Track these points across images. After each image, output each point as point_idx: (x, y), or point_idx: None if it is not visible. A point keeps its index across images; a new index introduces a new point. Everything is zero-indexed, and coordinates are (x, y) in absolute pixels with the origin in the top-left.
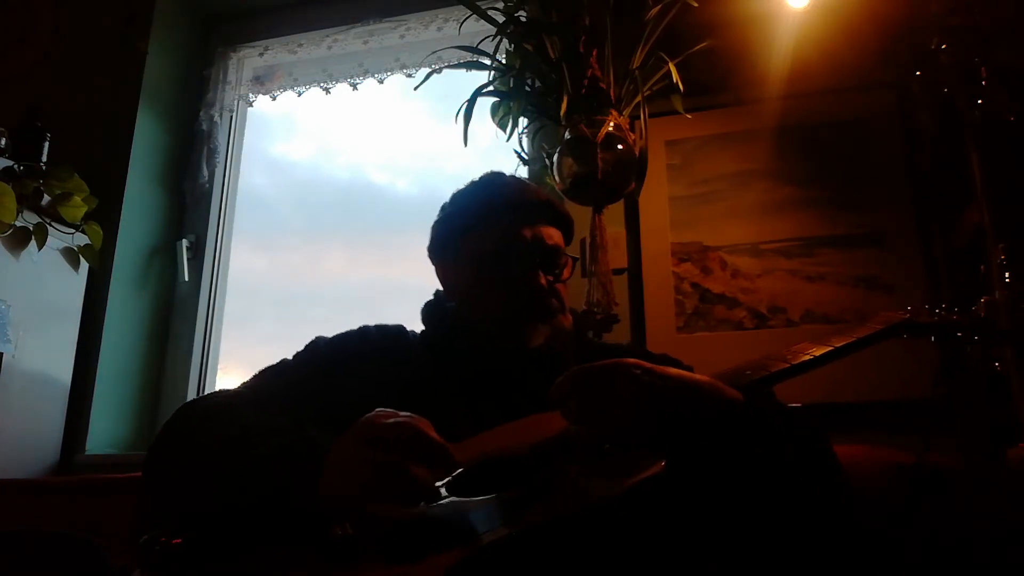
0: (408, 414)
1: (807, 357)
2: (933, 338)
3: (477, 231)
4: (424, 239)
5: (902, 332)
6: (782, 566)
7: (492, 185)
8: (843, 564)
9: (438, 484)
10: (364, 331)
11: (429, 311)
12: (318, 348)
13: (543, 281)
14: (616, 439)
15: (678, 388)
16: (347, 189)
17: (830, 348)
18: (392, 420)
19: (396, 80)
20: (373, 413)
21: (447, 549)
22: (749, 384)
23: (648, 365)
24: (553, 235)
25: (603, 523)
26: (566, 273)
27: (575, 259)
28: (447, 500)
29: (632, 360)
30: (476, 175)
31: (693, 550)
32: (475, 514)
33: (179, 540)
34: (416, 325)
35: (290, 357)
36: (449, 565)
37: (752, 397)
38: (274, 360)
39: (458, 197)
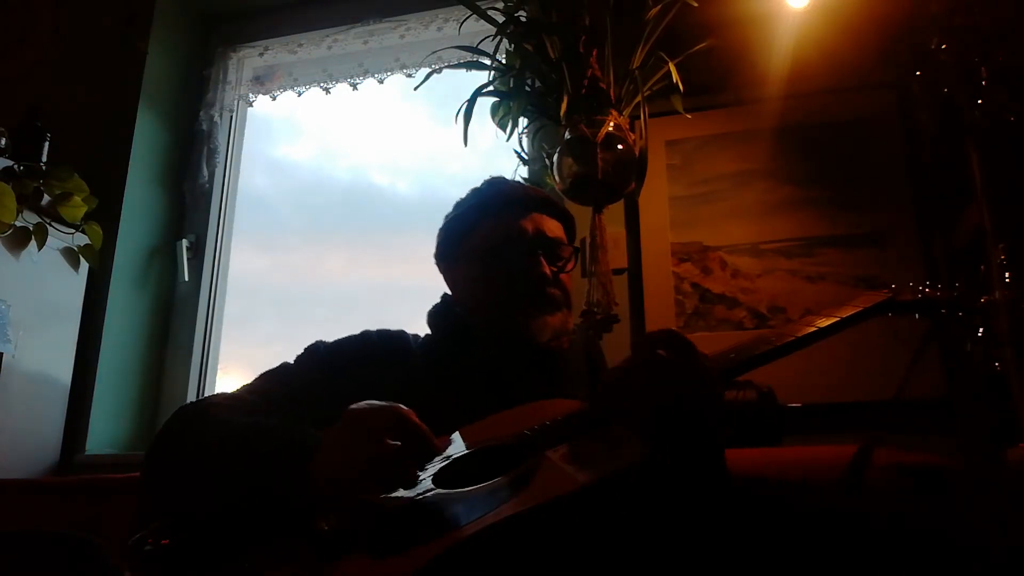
0: (391, 404)
1: (790, 339)
2: (917, 316)
3: (479, 229)
4: (425, 240)
5: (886, 310)
6: (764, 558)
7: (492, 185)
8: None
9: (421, 474)
10: (365, 336)
11: (436, 314)
12: (319, 353)
13: (546, 270)
14: (625, 421)
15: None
16: (348, 190)
17: (814, 329)
18: (382, 407)
19: (396, 80)
20: (358, 405)
21: (431, 540)
22: (736, 366)
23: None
24: (554, 228)
25: (586, 511)
26: (570, 265)
27: (577, 249)
28: (432, 491)
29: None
30: (476, 176)
31: (677, 540)
32: (459, 505)
33: (167, 540)
34: (417, 326)
35: (291, 360)
36: (433, 556)
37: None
38: (275, 361)
39: (461, 202)
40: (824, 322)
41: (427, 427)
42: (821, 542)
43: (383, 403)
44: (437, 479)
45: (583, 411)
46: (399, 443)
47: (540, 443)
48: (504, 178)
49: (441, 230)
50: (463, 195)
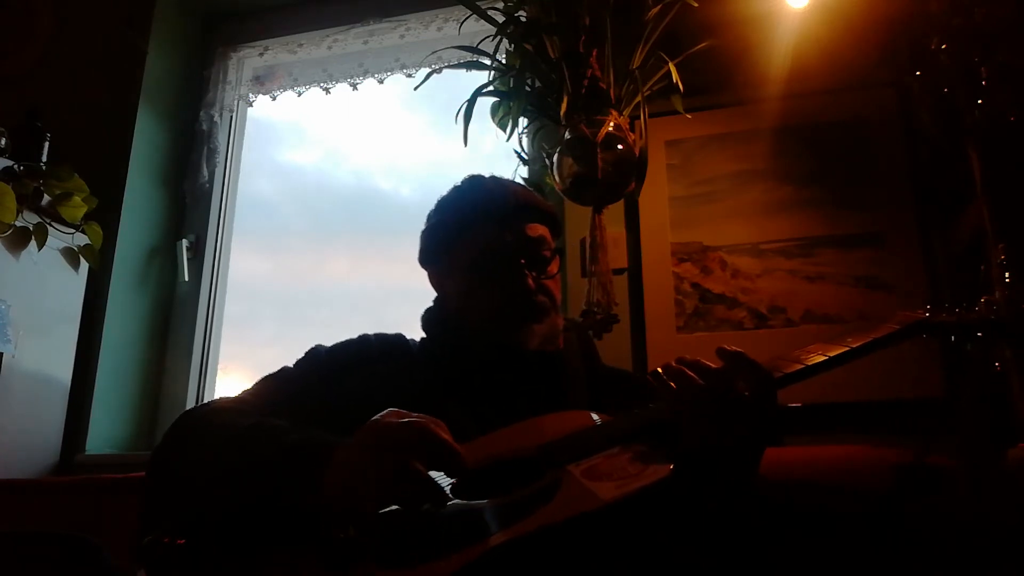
0: (419, 415)
1: (821, 358)
2: (953, 338)
3: (462, 240)
4: None
5: (921, 332)
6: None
7: (473, 192)
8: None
9: (445, 486)
10: (364, 339)
11: (429, 317)
12: (318, 356)
13: (530, 281)
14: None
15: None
16: (352, 194)
17: (845, 349)
18: (403, 420)
19: (398, 83)
20: (384, 413)
21: (450, 553)
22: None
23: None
24: (536, 229)
25: (607, 526)
26: (553, 268)
27: (560, 250)
28: (452, 503)
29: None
30: None
31: (694, 554)
32: (479, 517)
33: (183, 540)
34: (417, 330)
35: (290, 365)
36: (452, 569)
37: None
38: (277, 362)
39: (442, 205)
40: (856, 342)
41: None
42: (821, 542)
43: (412, 416)
44: (457, 490)
45: (646, 412)
46: (422, 458)
47: (563, 457)
48: (483, 179)
49: (424, 234)
50: (445, 192)
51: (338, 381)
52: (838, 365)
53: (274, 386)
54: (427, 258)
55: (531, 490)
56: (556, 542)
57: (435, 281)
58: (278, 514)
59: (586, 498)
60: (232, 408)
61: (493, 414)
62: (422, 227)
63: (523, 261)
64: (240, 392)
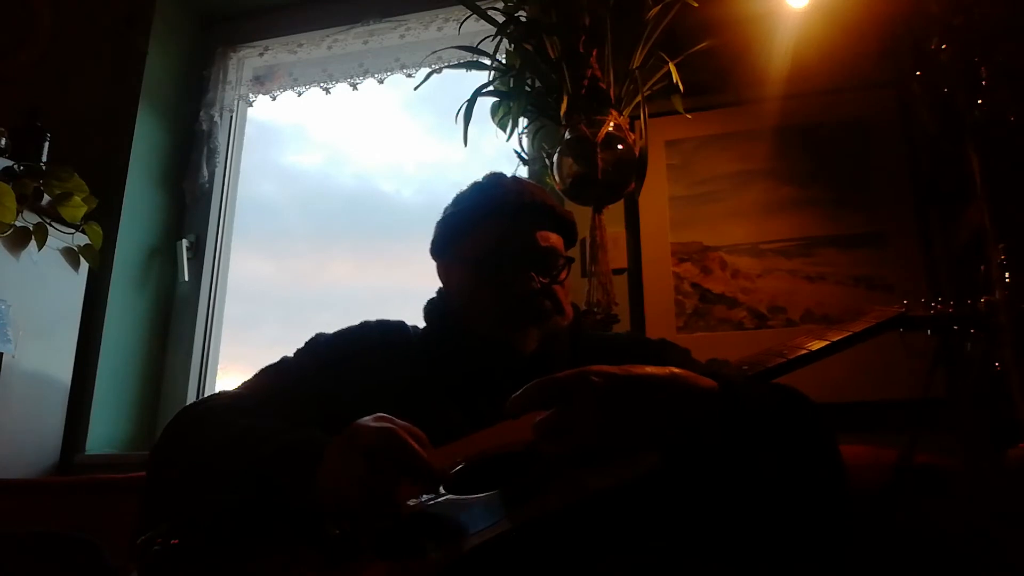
0: (402, 424)
1: (803, 352)
2: (929, 332)
3: (474, 234)
4: (428, 246)
5: (898, 326)
6: (778, 556)
7: (491, 187)
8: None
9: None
10: (364, 326)
11: (431, 308)
12: (318, 345)
13: (536, 283)
14: (587, 454)
15: (644, 389)
16: (354, 196)
17: (826, 343)
18: (379, 428)
19: (400, 85)
20: (365, 419)
21: (445, 546)
22: (745, 380)
23: (610, 370)
24: (549, 237)
25: (599, 516)
26: (562, 275)
27: (570, 260)
28: (445, 497)
29: (594, 368)
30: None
31: (689, 542)
32: (473, 510)
33: (177, 540)
34: (418, 324)
35: (291, 355)
36: (447, 562)
37: (727, 383)
38: None
39: (459, 198)
40: (836, 336)
41: (426, 446)
42: (820, 542)
43: (389, 425)
44: (449, 485)
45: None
46: (395, 471)
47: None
48: (503, 178)
49: (439, 224)
50: (465, 187)
51: (338, 368)
52: (819, 359)
53: (275, 377)
54: (437, 249)
55: (523, 483)
56: (549, 532)
57: (442, 272)
58: (274, 513)
59: (578, 488)
60: (229, 405)
61: (485, 410)
62: (424, 229)
63: (530, 264)
64: (239, 384)
